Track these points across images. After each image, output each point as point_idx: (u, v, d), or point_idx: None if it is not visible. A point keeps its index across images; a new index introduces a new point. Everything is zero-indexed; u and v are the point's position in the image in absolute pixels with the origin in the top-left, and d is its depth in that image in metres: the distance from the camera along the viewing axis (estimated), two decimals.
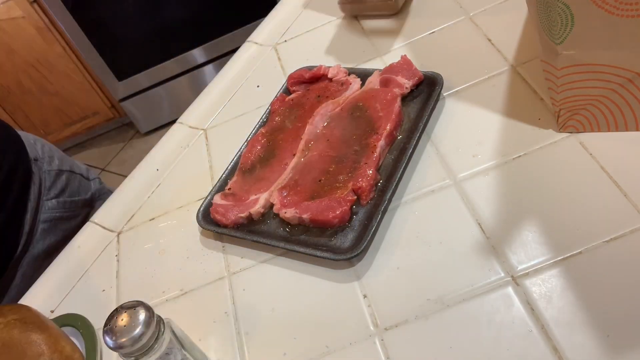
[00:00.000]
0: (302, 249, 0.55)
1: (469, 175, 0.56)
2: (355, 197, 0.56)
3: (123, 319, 0.43)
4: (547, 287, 0.46)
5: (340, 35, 0.80)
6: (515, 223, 0.51)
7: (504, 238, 0.50)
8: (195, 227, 0.64)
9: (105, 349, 0.57)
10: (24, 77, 2.12)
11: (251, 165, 0.65)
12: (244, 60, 0.85)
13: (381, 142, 0.59)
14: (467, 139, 0.59)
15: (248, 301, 0.56)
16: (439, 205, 0.55)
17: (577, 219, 0.49)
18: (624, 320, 0.42)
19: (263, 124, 0.70)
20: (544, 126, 0.56)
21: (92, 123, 2.41)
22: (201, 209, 0.63)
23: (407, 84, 0.64)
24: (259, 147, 0.67)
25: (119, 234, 0.69)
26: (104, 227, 0.71)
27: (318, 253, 0.54)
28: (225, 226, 0.60)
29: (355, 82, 0.68)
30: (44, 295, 0.66)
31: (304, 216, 0.56)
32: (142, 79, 2.23)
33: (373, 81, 0.67)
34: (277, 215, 0.59)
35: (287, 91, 0.74)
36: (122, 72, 2.19)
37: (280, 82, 0.76)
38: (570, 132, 0.55)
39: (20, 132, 0.82)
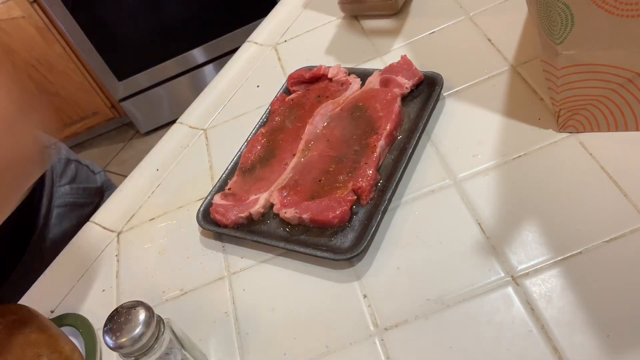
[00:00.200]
0: (302, 249, 0.55)
1: (469, 175, 0.56)
2: (355, 197, 0.56)
3: (123, 319, 0.43)
4: (547, 287, 0.46)
5: (340, 35, 0.80)
6: (515, 223, 0.51)
7: (504, 238, 0.50)
8: (195, 227, 0.64)
9: (105, 349, 0.57)
10: None
11: (251, 165, 0.65)
12: (244, 60, 0.85)
13: (381, 142, 0.59)
14: (467, 139, 0.59)
15: (248, 301, 0.56)
16: (439, 205, 0.55)
17: (577, 219, 0.49)
18: (624, 320, 0.42)
19: (263, 124, 0.70)
20: (544, 126, 0.56)
21: (92, 123, 2.41)
22: (201, 209, 0.63)
23: (407, 84, 0.64)
24: (259, 147, 0.67)
25: (119, 234, 0.69)
26: (104, 227, 0.71)
27: (318, 253, 0.54)
28: (225, 226, 0.60)
29: (355, 82, 0.68)
30: (44, 295, 0.66)
31: (304, 216, 0.56)
32: (142, 79, 2.23)
33: (373, 81, 0.67)
34: (277, 215, 0.59)
35: (287, 91, 0.74)
36: (122, 72, 2.19)
37: (280, 82, 0.76)
38: (570, 132, 0.55)
39: None
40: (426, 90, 0.64)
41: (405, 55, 0.66)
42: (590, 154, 0.53)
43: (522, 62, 0.63)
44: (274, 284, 0.56)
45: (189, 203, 0.68)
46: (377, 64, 0.73)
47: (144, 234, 0.67)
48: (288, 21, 0.88)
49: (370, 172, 0.57)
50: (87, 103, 2.32)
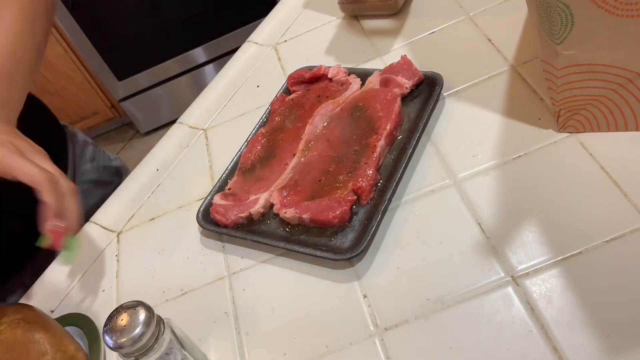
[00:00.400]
0: (302, 249, 0.55)
1: (469, 175, 0.56)
2: (355, 197, 0.56)
3: (123, 319, 0.43)
4: (547, 287, 0.46)
5: (340, 35, 0.80)
6: (515, 223, 0.51)
7: (504, 238, 0.50)
8: (195, 227, 0.64)
9: (109, 349, 0.57)
10: None
11: (251, 165, 0.65)
12: (244, 60, 0.85)
13: (381, 142, 0.59)
14: (467, 139, 0.59)
15: (248, 301, 0.56)
16: (439, 205, 0.55)
17: (577, 219, 0.49)
18: (624, 320, 0.42)
19: (263, 124, 0.70)
20: (544, 126, 0.56)
21: (92, 123, 2.41)
22: (201, 209, 0.63)
23: (407, 84, 0.64)
24: (259, 147, 0.67)
25: (119, 234, 0.69)
26: (104, 227, 0.71)
27: (318, 253, 0.54)
28: (225, 226, 0.60)
29: (355, 82, 0.68)
30: (44, 295, 0.66)
31: (304, 216, 0.56)
32: (142, 79, 2.23)
33: (373, 81, 0.67)
34: (277, 215, 0.59)
35: (287, 91, 0.74)
36: (122, 72, 2.19)
37: (280, 82, 0.76)
38: (570, 132, 0.55)
39: None
40: (426, 90, 0.64)
41: (405, 55, 0.66)
42: (590, 154, 0.53)
43: (522, 62, 0.63)
44: (274, 283, 0.56)
45: (189, 203, 0.68)
46: (377, 64, 0.73)
47: (144, 234, 0.67)
48: (288, 21, 0.88)
49: (370, 172, 0.57)
50: (87, 103, 2.32)
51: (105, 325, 0.44)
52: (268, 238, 0.57)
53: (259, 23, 0.91)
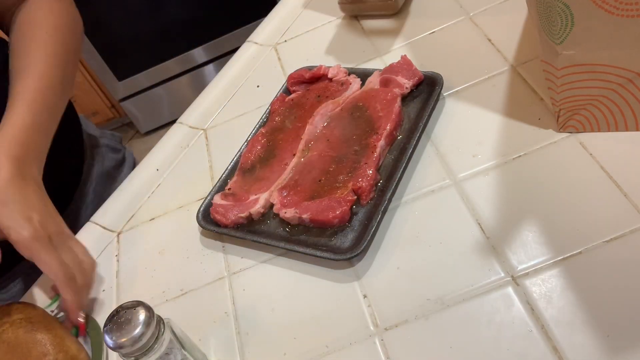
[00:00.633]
0: (302, 249, 0.55)
1: (469, 175, 0.56)
2: (355, 197, 0.56)
3: (123, 319, 0.43)
4: (547, 287, 0.46)
5: (340, 35, 0.80)
6: (515, 223, 0.51)
7: (504, 238, 0.50)
8: (195, 227, 0.64)
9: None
10: None
11: (251, 165, 0.66)
12: (244, 60, 0.85)
13: (381, 142, 0.59)
14: (467, 139, 0.59)
15: (248, 301, 0.56)
16: (439, 205, 0.55)
17: (577, 219, 0.49)
18: (624, 320, 0.42)
19: (263, 124, 0.70)
20: (544, 126, 0.56)
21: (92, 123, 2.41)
22: (201, 209, 0.63)
23: (407, 84, 0.64)
24: (259, 147, 0.67)
25: (119, 234, 0.69)
26: (104, 227, 0.71)
27: (318, 253, 0.54)
28: (225, 226, 0.60)
29: (355, 82, 0.68)
30: (44, 295, 0.66)
31: (304, 216, 0.56)
32: (142, 79, 2.23)
33: (373, 81, 0.67)
34: (277, 215, 0.59)
35: (287, 91, 0.74)
36: (122, 72, 2.19)
37: (280, 82, 0.76)
38: (570, 132, 0.55)
39: None
40: (426, 90, 0.64)
41: (405, 55, 0.66)
42: (590, 154, 0.53)
43: (522, 62, 0.63)
44: (274, 284, 0.56)
45: (189, 203, 0.68)
46: (377, 64, 0.73)
47: (144, 234, 0.67)
48: (288, 21, 0.88)
49: (370, 172, 0.57)
50: (87, 103, 2.32)
51: (105, 325, 0.44)
52: (268, 238, 0.57)
53: (259, 23, 0.91)
